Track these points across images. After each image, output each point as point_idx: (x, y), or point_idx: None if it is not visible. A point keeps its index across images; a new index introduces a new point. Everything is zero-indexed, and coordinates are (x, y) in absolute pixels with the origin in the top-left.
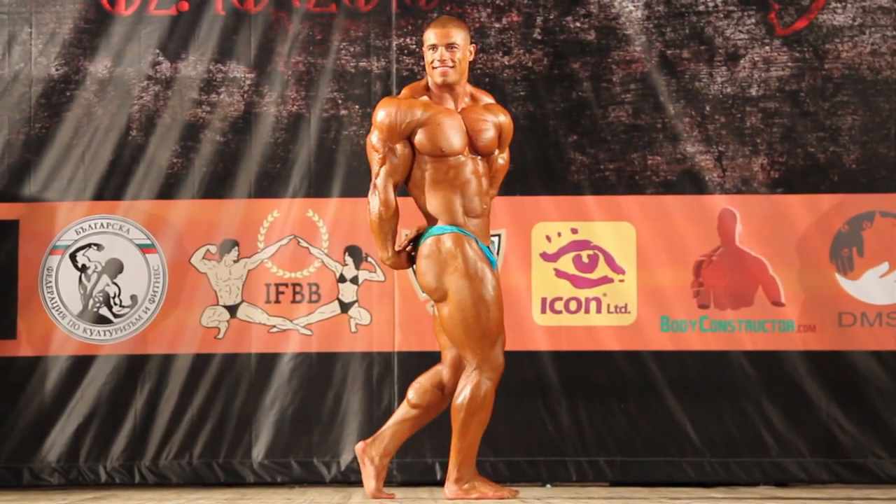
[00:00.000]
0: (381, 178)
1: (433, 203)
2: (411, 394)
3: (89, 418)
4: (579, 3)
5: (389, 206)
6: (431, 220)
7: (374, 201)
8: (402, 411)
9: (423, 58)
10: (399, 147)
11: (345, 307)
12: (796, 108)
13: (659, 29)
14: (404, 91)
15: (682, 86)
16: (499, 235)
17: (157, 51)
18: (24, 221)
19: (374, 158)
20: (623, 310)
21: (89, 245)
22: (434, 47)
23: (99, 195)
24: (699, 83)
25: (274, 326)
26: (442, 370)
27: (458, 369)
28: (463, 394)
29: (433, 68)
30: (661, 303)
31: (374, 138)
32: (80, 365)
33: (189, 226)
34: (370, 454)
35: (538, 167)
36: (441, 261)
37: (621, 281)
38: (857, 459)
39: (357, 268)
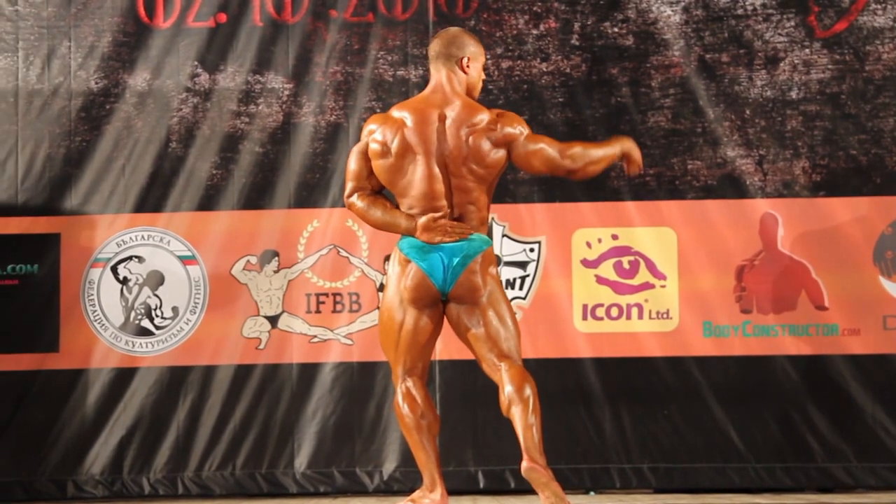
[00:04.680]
0: None
1: (484, 215)
2: (504, 409)
3: (132, 430)
4: (617, 8)
5: None
6: (482, 228)
7: None
8: (515, 421)
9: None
10: None
11: None
12: (837, 110)
13: (697, 33)
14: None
15: (722, 90)
16: (539, 242)
17: (196, 63)
18: (65, 235)
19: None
20: (665, 315)
21: (130, 257)
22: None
23: (139, 207)
24: (739, 87)
25: (315, 336)
26: (497, 378)
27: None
28: (529, 382)
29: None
30: (704, 308)
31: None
32: (123, 377)
33: (229, 237)
34: (541, 464)
35: None
36: (494, 269)
37: (663, 287)
38: None
39: None
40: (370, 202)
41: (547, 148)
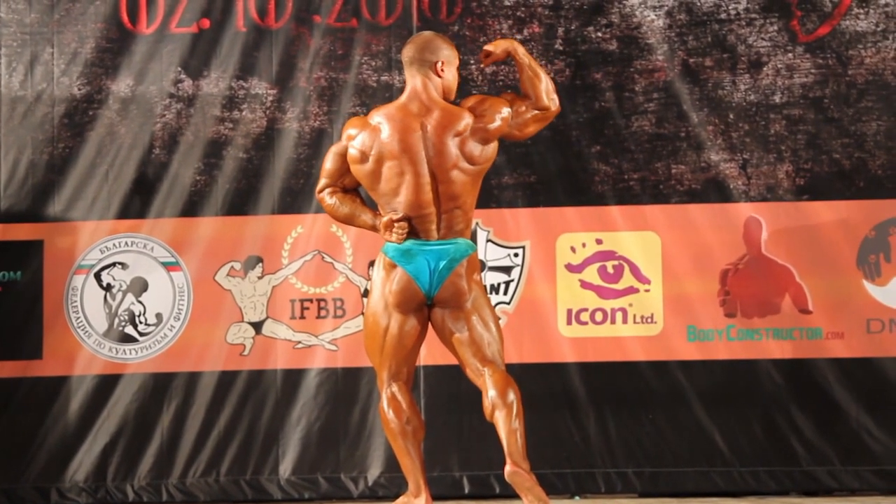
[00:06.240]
0: None
1: (470, 217)
2: (488, 414)
3: (116, 437)
4: (600, 13)
5: None
6: (467, 232)
7: None
8: (499, 426)
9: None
10: None
11: None
12: (820, 114)
13: (681, 37)
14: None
15: (706, 94)
16: (523, 247)
17: (179, 68)
18: (48, 241)
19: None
20: (649, 320)
21: (114, 264)
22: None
23: (123, 214)
24: (722, 91)
25: (299, 342)
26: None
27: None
28: (512, 387)
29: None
30: (688, 312)
31: None
32: (107, 384)
33: (213, 243)
34: (525, 468)
35: (562, 178)
36: (478, 275)
37: (647, 291)
38: (888, 467)
39: None
40: (339, 198)
41: (532, 112)
